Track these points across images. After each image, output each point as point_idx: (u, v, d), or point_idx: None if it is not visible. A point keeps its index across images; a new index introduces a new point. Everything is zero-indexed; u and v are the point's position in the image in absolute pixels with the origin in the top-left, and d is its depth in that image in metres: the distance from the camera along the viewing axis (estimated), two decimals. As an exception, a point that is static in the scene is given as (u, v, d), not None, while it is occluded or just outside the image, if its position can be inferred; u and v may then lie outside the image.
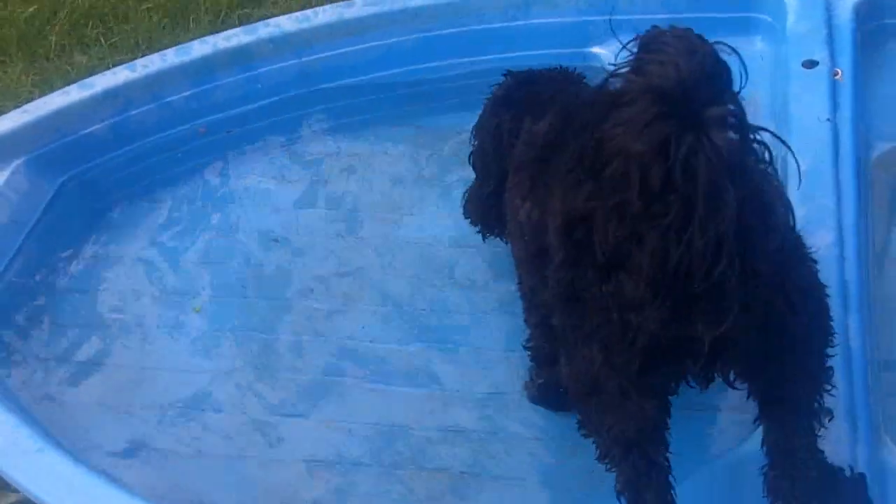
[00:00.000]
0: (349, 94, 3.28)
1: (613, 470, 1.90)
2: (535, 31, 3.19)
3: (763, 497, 1.92)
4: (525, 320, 2.38)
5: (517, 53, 3.20)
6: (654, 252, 1.44)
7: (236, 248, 2.95)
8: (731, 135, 1.41)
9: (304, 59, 3.23)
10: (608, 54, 2.99)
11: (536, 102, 2.39)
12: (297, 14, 3.25)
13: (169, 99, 3.18)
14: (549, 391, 2.40)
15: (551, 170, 1.98)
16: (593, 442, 1.93)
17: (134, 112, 3.16)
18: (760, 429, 2.02)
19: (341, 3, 3.28)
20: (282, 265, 2.91)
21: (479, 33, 3.23)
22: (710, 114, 1.40)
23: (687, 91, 1.41)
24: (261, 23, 3.26)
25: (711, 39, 1.50)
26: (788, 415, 1.85)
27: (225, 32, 3.25)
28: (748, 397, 1.88)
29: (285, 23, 3.23)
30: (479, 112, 2.65)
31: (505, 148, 2.45)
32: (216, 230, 3.02)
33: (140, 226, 3.06)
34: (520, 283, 2.36)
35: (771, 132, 1.47)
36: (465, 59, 3.26)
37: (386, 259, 2.88)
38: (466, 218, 2.75)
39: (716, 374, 1.75)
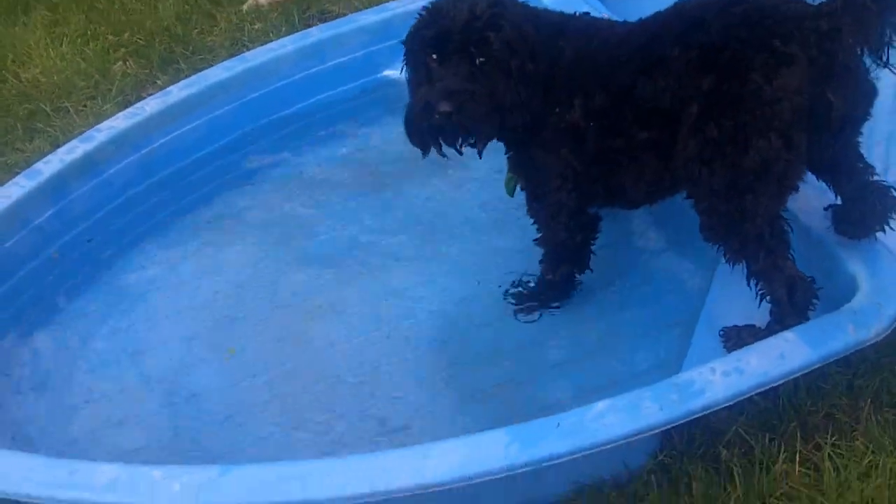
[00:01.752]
0: (190, 172, 3.51)
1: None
2: (333, 72, 3.69)
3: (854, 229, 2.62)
4: (553, 240, 2.84)
5: (323, 95, 3.69)
6: None
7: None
8: None
9: (143, 152, 3.41)
10: (396, 73, 3.60)
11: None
12: (127, 111, 3.42)
13: (36, 222, 3.18)
14: (558, 285, 2.93)
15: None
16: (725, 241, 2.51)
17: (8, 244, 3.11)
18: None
19: (158, 94, 3.50)
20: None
21: (285, 88, 3.64)
22: None
23: None
24: (93, 129, 3.37)
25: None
26: (858, 162, 2.57)
27: (65, 146, 3.31)
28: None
29: (119, 122, 3.38)
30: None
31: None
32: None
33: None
34: (538, 205, 2.80)
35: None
36: (277, 115, 3.66)
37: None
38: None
39: None
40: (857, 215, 2.62)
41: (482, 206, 3.34)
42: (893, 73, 2.30)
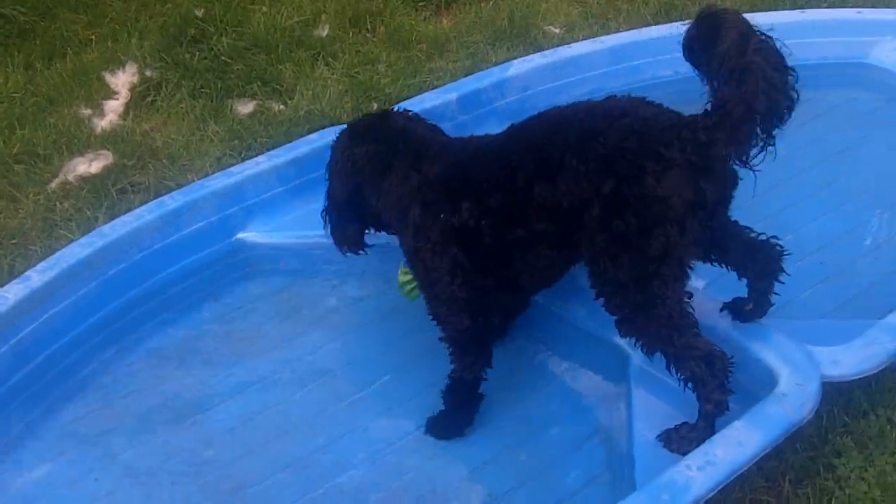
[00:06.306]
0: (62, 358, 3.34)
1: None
2: (192, 238, 3.62)
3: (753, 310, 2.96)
4: (458, 329, 2.99)
5: (182, 263, 3.62)
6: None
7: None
8: None
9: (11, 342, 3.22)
10: (254, 235, 3.68)
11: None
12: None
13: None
14: (470, 384, 3.06)
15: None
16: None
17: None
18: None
19: (17, 280, 3.30)
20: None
21: (154, 254, 3.57)
22: None
23: None
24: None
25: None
26: (737, 230, 2.93)
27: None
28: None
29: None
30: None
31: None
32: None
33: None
34: (437, 304, 3.00)
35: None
36: (140, 288, 3.55)
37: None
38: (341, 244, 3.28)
39: None
40: (751, 290, 2.97)
41: (381, 350, 3.40)
42: (753, 171, 2.69)
